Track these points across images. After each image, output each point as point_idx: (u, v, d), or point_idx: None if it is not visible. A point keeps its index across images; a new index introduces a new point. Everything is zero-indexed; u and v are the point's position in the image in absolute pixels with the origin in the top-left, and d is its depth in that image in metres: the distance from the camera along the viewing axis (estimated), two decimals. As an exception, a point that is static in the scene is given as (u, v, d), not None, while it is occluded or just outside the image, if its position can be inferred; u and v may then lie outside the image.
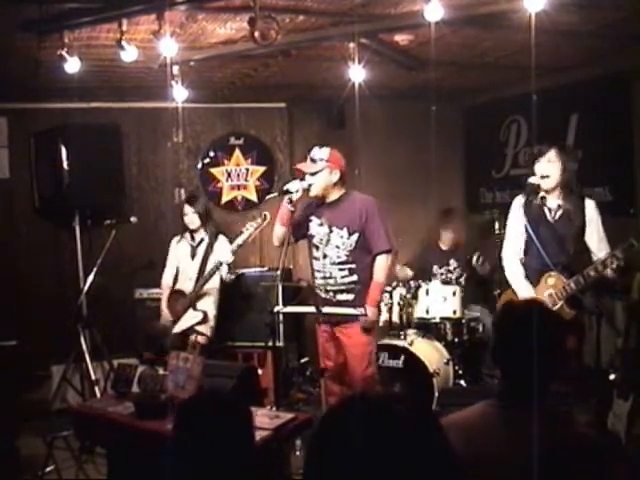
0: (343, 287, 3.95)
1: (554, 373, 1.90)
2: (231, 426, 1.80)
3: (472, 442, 1.78)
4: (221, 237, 5.07)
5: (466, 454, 1.70)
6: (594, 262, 3.54)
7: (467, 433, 1.80)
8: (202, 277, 4.88)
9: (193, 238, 5.08)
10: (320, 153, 3.91)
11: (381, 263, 3.93)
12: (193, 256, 5.05)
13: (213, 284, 4.96)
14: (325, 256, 3.99)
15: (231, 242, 4.85)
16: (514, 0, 3.22)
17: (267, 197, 4.25)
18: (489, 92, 6.27)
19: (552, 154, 3.68)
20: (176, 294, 5.05)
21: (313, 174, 3.89)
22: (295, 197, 3.88)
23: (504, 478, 1.76)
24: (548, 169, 3.68)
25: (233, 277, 4.98)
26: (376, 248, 3.93)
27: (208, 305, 4.98)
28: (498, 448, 1.78)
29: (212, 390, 2.40)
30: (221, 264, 4.73)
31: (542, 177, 3.67)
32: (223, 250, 4.88)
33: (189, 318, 4.93)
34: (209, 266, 4.90)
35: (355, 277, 3.93)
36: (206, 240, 5.02)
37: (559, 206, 3.69)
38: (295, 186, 3.88)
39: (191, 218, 5.00)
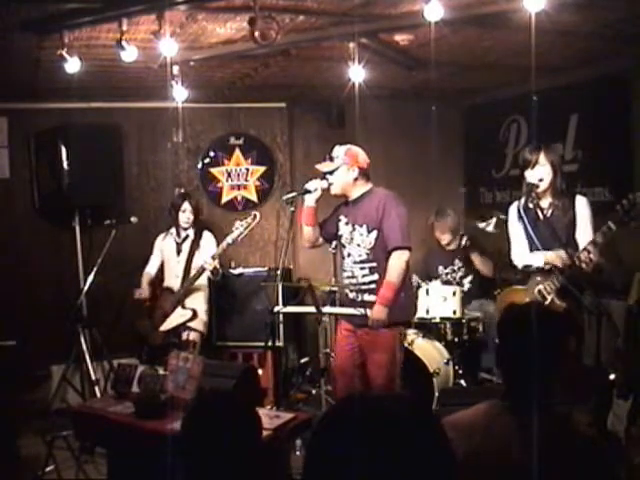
0: (364, 287, 3.87)
1: (556, 374, 1.91)
2: (240, 427, 1.81)
3: (474, 442, 1.78)
4: (206, 233, 5.12)
5: (468, 454, 1.71)
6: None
7: (469, 433, 1.81)
8: (188, 276, 4.95)
9: (179, 234, 5.11)
10: (338, 151, 3.90)
11: (395, 260, 3.78)
12: (178, 252, 5.09)
13: (202, 280, 5.01)
14: (349, 255, 3.95)
15: (217, 238, 4.98)
16: (514, 0, 3.22)
17: (286, 197, 4.00)
18: (489, 92, 6.27)
19: (542, 157, 3.71)
20: (165, 292, 5.08)
21: (331, 172, 3.88)
22: (315, 196, 3.90)
23: (506, 478, 1.76)
24: (541, 172, 3.70)
25: (219, 278, 5.03)
26: (390, 244, 3.81)
27: (197, 302, 5.03)
28: (500, 448, 1.78)
29: (220, 391, 2.40)
30: (204, 270, 4.82)
31: (539, 180, 3.70)
32: (209, 248, 4.97)
33: (178, 316, 4.97)
34: (195, 263, 4.95)
35: (376, 276, 3.84)
36: (191, 236, 5.08)
37: (550, 204, 3.73)
38: (314, 185, 3.90)
39: (188, 216, 5.07)
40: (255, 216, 4.75)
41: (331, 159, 3.91)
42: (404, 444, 1.07)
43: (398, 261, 3.79)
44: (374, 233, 3.84)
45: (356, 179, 3.89)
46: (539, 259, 3.72)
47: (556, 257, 3.62)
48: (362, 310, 3.81)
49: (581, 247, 3.62)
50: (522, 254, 3.86)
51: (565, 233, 3.66)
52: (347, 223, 3.97)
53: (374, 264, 3.85)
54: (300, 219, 4.08)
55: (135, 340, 5.17)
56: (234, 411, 1.85)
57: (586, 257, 3.41)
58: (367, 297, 3.86)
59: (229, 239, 4.74)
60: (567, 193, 3.74)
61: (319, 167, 3.96)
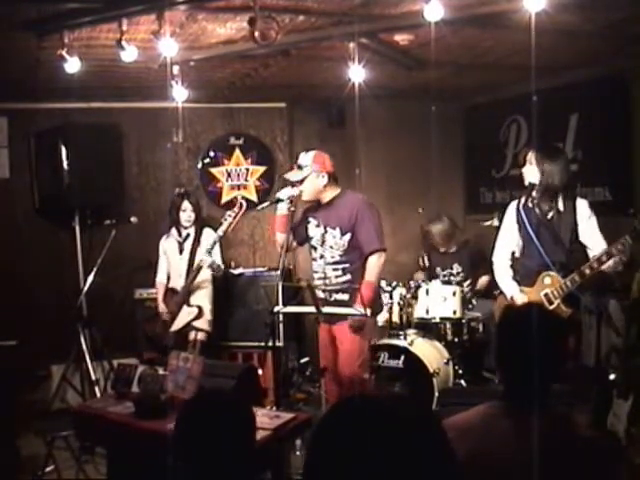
0: (337, 287, 4.00)
1: (555, 375, 1.91)
2: (233, 426, 1.80)
3: (474, 444, 1.78)
4: (206, 230, 5.12)
5: (468, 456, 1.70)
6: (590, 259, 3.58)
7: (469, 435, 1.81)
8: (190, 272, 4.94)
9: (180, 234, 5.12)
10: (305, 159, 3.97)
11: (373, 262, 3.94)
12: (181, 251, 5.10)
13: (205, 277, 5.01)
14: (322, 256, 4.05)
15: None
16: (514, 0, 3.22)
17: (258, 208, 4.25)
18: (489, 92, 6.27)
19: (531, 157, 3.75)
20: (170, 292, 5.08)
21: (301, 181, 3.95)
22: (287, 204, 3.96)
23: (505, 479, 1.76)
24: (530, 172, 3.74)
25: (220, 273, 5.06)
26: (367, 248, 3.95)
27: (202, 299, 5.02)
28: (500, 450, 1.78)
29: (214, 390, 2.40)
30: (201, 267, 4.83)
31: (528, 179, 3.74)
32: (208, 244, 4.96)
33: (185, 315, 4.97)
34: (197, 260, 4.94)
35: (348, 277, 3.97)
36: (192, 235, 5.07)
37: (551, 207, 3.73)
38: (285, 194, 3.97)
39: (189, 215, 5.07)
40: (241, 205, 4.82)
41: (299, 167, 3.97)
42: (405, 445, 1.07)
43: (377, 263, 3.95)
44: (348, 235, 3.95)
45: (326, 184, 3.98)
46: (519, 297, 3.76)
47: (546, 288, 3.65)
48: (361, 310, 3.83)
49: (589, 248, 3.63)
50: (501, 260, 3.93)
51: (568, 237, 3.66)
52: (318, 225, 4.06)
53: (347, 265, 3.98)
54: (273, 227, 4.16)
55: (146, 343, 5.17)
56: (227, 410, 1.85)
57: (606, 261, 3.42)
58: (339, 296, 4.00)
59: (220, 231, 4.79)
60: (569, 196, 3.74)
61: (288, 176, 4.04)
